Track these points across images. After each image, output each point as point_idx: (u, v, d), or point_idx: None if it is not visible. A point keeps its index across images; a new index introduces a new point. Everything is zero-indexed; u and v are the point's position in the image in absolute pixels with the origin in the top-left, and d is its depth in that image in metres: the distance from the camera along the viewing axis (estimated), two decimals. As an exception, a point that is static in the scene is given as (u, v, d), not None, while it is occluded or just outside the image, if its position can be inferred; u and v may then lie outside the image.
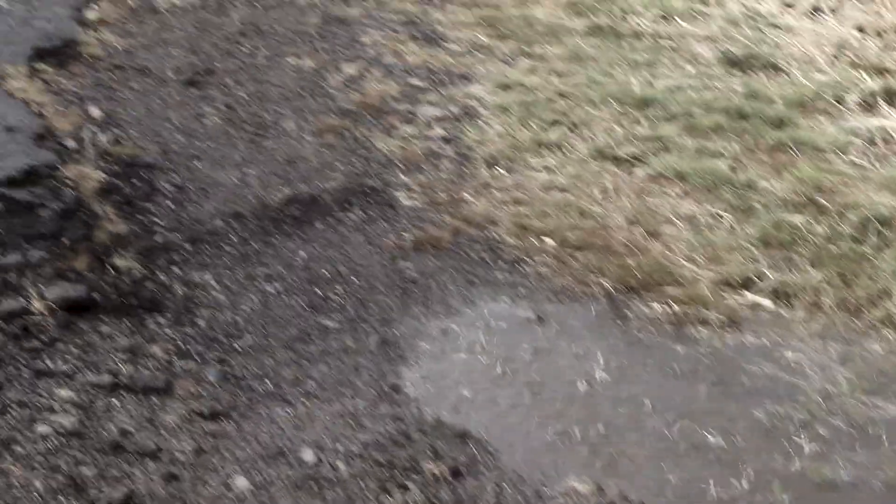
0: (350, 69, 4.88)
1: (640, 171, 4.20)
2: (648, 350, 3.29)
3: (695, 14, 5.47)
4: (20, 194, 3.65)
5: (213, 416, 2.84)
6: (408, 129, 4.45)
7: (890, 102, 4.76)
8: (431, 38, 5.14)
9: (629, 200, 4.01)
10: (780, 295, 3.54)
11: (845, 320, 3.43)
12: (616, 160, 4.27)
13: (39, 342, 3.01)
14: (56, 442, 2.67)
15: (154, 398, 2.89)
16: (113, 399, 2.86)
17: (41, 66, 4.65)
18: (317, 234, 3.74)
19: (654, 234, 3.83)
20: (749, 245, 3.77)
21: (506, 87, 4.77)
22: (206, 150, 4.22)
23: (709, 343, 3.33)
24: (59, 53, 4.77)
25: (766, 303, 3.52)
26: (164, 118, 4.41)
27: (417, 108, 4.62)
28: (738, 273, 3.62)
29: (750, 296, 3.55)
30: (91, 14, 5.07)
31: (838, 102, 4.79)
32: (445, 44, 5.10)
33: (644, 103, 4.64)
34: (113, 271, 3.37)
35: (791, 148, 4.37)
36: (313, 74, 4.83)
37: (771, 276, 3.61)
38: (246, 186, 3.98)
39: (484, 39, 5.12)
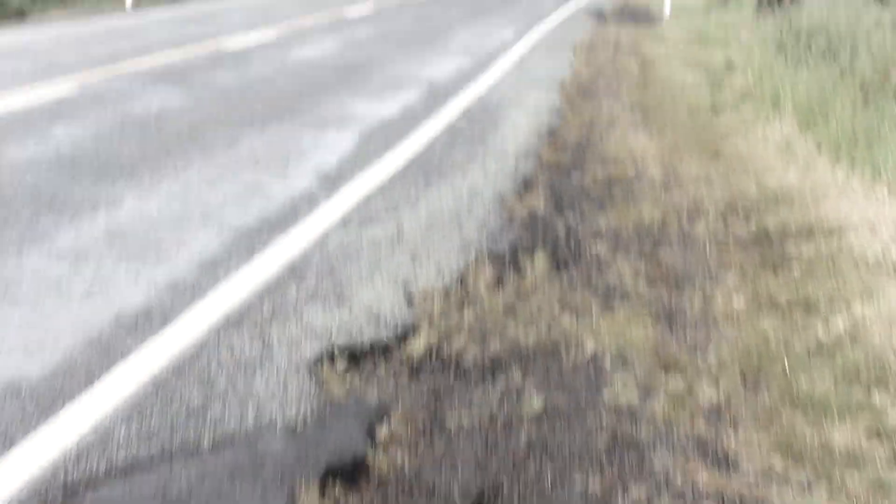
0: (639, 492, 4.75)
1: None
2: None
3: None
4: None
5: None
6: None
7: None
8: (723, 462, 4.97)
9: None
10: None
11: None
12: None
13: None
14: None
15: None
16: None
17: (331, 485, 4.71)
18: None
19: None
20: None
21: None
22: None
23: None
24: (348, 472, 4.82)
25: None
26: (449, 541, 4.37)
27: (712, 538, 4.43)
28: None
29: None
30: (382, 432, 5.14)
31: None
32: (738, 468, 4.92)
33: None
34: None
35: None
36: (601, 496, 4.72)
37: None
38: None
39: (779, 464, 4.91)
